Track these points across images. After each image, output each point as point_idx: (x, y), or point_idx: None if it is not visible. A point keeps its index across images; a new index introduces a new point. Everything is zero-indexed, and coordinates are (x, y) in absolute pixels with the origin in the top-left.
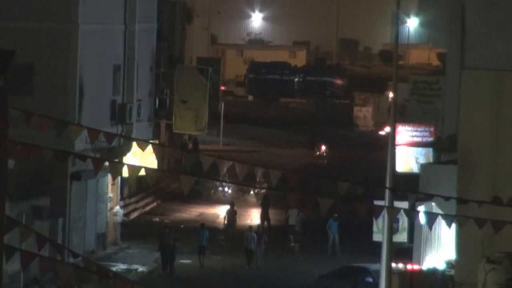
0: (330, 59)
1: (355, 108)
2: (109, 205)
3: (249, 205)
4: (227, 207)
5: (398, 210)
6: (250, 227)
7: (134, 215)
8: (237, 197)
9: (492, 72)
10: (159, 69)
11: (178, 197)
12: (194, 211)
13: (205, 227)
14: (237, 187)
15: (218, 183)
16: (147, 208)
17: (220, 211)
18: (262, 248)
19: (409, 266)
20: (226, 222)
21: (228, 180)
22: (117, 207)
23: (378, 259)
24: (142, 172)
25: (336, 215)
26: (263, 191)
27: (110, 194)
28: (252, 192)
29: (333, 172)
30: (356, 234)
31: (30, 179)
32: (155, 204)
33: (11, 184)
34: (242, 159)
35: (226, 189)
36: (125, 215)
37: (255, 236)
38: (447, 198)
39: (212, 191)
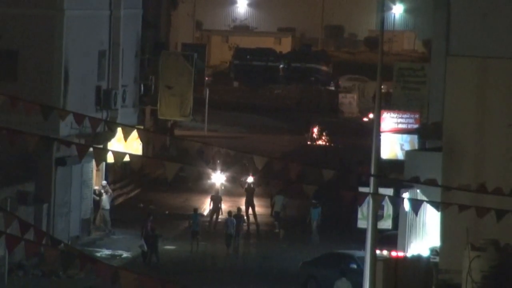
0: (315, 46)
1: (340, 95)
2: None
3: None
4: (212, 194)
5: (383, 196)
6: (230, 212)
7: (118, 200)
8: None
9: (477, 59)
10: (144, 55)
11: (163, 183)
12: (179, 198)
13: (197, 212)
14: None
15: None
16: (132, 194)
17: (206, 198)
18: (241, 233)
19: (393, 253)
20: (210, 208)
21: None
22: (104, 197)
23: (362, 246)
24: (127, 158)
25: (314, 201)
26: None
27: (96, 187)
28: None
29: (330, 155)
30: (340, 221)
31: (14, 165)
32: (139, 190)
33: None
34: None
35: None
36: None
37: (235, 221)
38: (433, 185)
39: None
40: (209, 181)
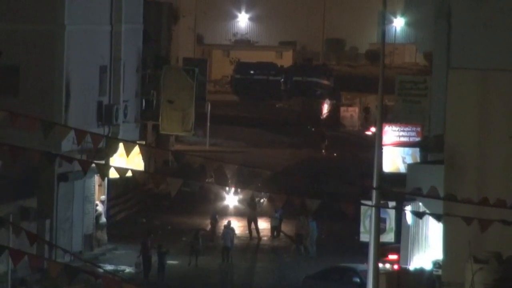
0: (316, 59)
1: (342, 108)
2: (98, 207)
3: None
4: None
5: (385, 206)
6: (226, 225)
7: (121, 215)
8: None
9: (479, 71)
10: (145, 69)
11: (166, 198)
12: (182, 213)
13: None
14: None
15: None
16: (134, 209)
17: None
18: (233, 244)
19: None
20: (210, 226)
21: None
22: (99, 209)
23: (364, 259)
24: (129, 174)
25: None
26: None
27: (98, 205)
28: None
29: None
30: (341, 234)
31: (17, 180)
32: (142, 205)
33: None
34: (230, 160)
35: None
36: (111, 216)
37: (231, 233)
38: (435, 197)
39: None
40: (223, 202)
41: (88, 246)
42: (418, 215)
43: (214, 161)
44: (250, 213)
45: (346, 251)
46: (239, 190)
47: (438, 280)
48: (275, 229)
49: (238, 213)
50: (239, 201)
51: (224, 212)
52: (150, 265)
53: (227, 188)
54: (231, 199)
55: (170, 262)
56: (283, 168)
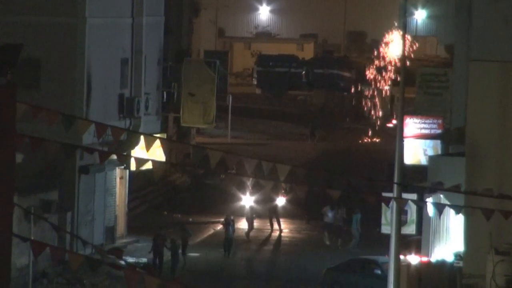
0: (337, 52)
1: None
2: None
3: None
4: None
5: (406, 200)
6: (226, 217)
7: (142, 208)
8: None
9: (500, 63)
10: (166, 62)
11: (187, 191)
12: (203, 205)
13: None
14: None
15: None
16: (156, 202)
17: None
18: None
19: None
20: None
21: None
22: None
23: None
24: (150, 166)
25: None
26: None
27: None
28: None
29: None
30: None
31: (38, 173)
32: (164, 198)
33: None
34: (251, 152)
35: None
36: (133, 209)
37: (232, 226)
38: (459, 191)
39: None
40: (239, 203)
41: (109, 239)
42: (439, 208)
43: (234, 155)
44: (270, 206)
45: (368, 243)
46: (256, 190)
47: (459, 272)
48: (327, 227)
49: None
50: (256, 201)
51: (240, 213)
52: (162, 260)
53: (248, 185)
54: (248, 199)
55: (192, 254)
56: (305, 161)
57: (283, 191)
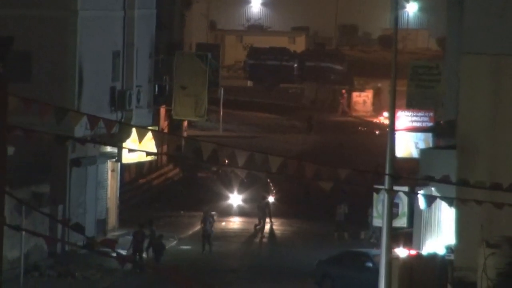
0: (329, 45)
1: (354, 94)
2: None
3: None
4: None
5: (396, 192)
6: (206, 211)
7: (133, 201)
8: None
9: (491, 56)
10: (158, 55)
11: (179, 183)
12: (194, 198)
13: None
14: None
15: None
16: (147, 194)
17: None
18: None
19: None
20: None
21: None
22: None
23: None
24: (142, 159)
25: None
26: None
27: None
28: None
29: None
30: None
31: (30, 166)
32: (155, 190)
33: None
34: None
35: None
36: (124, 201)
37: (211, 220)
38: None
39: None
40: (226, 202)
41: (101, 231)
42: (430, 199)
43: (226, 147)
44: (261, 204)
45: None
46: (243, 189)
47: (451, 264)
48: (340, 226)
49: (243, 213)
50: (243, 200)
51: (228, 212)
52: (142, 257)
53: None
54: (235, 198)
55: (184, 247)
56: (296, 153)
57: (272, 190)
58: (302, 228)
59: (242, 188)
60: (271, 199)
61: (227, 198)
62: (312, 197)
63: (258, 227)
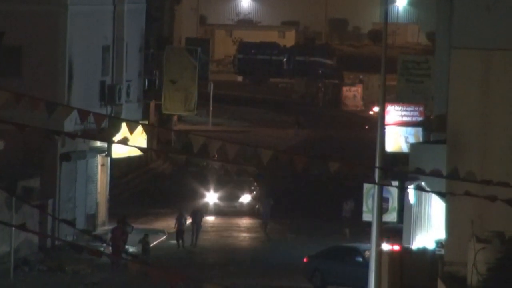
0: (319, 39)
1: (344, 88)
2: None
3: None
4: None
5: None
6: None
7: (124, 195)
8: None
9: (481, 51)
10: (148, 49)
11: (168, 178)
12: (185, 192)
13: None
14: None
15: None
16: (137, 189)
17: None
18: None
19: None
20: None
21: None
22: None
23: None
24: (131, 153)
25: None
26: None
27: None
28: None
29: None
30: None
31: (20, 161)
32: (145, 184)
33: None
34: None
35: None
36: (114, 196)
37: (199, 215)
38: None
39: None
40: (203, 200)
41: (91, 226)
42: (421, 190)
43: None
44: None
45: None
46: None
47: (441, 259)
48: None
49: (219, 212)
50: (220, 198)
51: (204, 210)
52: (120, 253)
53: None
54: (211, 196)
55: (173, 241)
56: (287, 147)
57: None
58: (313, 226)
59: (218, 186)
60: (248, 197)
61: (203, 196)
62: (316, 194)
63: (266, 227)
